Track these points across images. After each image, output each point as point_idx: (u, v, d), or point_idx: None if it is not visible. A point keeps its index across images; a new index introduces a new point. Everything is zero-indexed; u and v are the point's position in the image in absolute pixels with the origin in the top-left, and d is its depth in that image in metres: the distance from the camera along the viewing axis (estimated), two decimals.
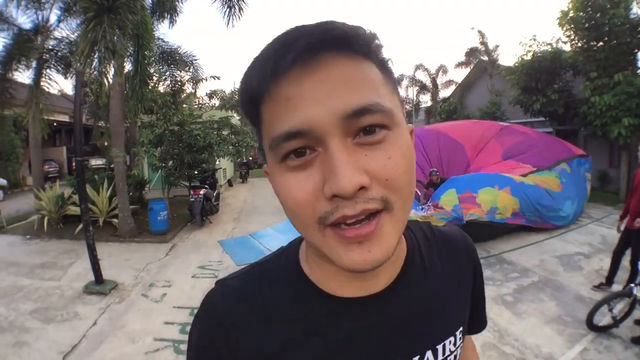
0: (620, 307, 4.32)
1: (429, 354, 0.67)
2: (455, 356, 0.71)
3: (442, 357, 0.68)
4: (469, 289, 0.79)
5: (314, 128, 0.49)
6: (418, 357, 0.66)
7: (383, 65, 0.56)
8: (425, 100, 31.02)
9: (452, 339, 0.70)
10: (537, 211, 7.92)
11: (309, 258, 0.66)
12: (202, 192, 10.13)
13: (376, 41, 0.55)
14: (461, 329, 0.73)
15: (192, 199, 10.04)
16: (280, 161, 0.52)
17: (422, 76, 29.74)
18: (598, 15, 11.09)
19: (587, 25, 11.40)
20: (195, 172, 11.45)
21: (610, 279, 5.45)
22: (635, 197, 4.85)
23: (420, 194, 8.77)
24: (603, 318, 4.40)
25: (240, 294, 0.67)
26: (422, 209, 7.37)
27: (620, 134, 10.69)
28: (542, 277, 6.10)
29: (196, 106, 14.19)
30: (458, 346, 0.72)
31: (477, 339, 4.28)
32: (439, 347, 0.68)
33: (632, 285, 4.16)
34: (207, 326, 0.67)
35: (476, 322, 0.86)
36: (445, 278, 0.73)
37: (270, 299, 0.65)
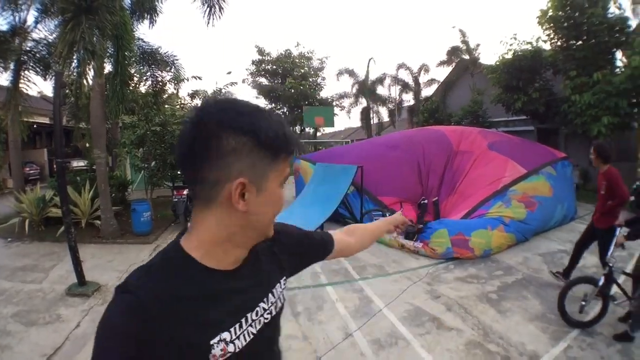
0: (586, 291, 4.44)
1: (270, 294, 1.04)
2: (283, 295, 1.10)
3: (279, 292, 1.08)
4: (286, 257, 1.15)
5: None
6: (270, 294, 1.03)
7: None
8: (408, 99, 31.11)
9: (281, 281, 1.10)
10: (532, 232, 7.99)
11: (208, 249, 0.95)
12: (185, 192, 10.00)
13: None
14: (285, 277, 1.13)
15: (176, 200, 9.95)
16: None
17: (404, 75, 29.48)
18: (577, 14, 11.30)
19: (566, 24, 11.61)
20: (179, 173, 11.35)
21: (568, 273, 5.65)
22: (600, 197, 5.00)
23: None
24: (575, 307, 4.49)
25: (170, 301, 0.84)
26: (415, 241, 7.35)
27: (601, 132, 10.88)
28: (526, 275, 6.19)
29: (178, 106, 14.07)
30: (284, 288, 1.12)
31: (462, 337, 4.32)
32: (276, 288, 1.07)
33: (602, 277, 4.29)
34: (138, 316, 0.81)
35: (322, 244, 1.32)
36: (268, 260, 1.08)
37: (185, 289, 0.86)
